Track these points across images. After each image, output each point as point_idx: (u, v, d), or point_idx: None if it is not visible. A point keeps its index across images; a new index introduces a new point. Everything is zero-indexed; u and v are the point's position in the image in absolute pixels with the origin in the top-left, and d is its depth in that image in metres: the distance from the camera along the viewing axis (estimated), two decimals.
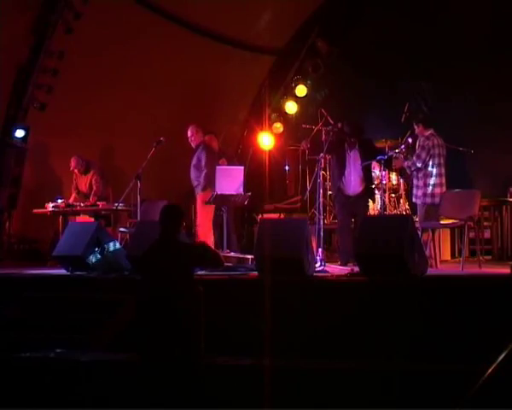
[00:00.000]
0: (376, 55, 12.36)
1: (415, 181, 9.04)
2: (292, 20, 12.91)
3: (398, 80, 12.08)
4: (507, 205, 10.85)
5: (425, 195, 8.87)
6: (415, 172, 8.99)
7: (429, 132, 8.98)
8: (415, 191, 9.03)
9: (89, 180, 11.01)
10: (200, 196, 9.80)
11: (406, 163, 9.06)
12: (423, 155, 8.84)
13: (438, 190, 8.83)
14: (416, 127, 9.13)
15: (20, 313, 7.67)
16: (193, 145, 10.01)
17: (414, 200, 9.09)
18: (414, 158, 8.95)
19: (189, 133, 10.04)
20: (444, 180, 8.94)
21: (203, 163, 9.78)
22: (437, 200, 8.79)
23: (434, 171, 8.87)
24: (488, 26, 11.46)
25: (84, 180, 11.03)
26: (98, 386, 6.27)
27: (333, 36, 12.88)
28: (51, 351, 6.78)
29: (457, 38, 11.64)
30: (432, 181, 8.86)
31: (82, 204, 10.54)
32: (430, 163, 8.86)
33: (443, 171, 8.94)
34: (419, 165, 8.86)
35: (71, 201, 10.83)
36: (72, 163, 10.96)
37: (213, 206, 9.77)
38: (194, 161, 9.89)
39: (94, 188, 10.90)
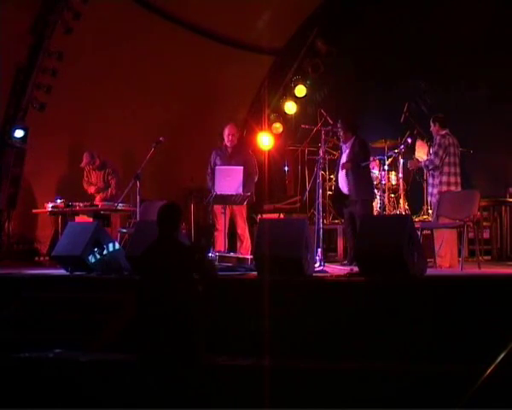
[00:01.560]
0: (376, 55, 12.37)
1: (430, 180, 9.08)
2: (291, 21, 12.92)
3: (398, 80, 12.08)
4: (506, 205, 10.86)
5: (440, 193, 8.89)
6: (431, 171, 9.02)
7: (445, 132, 9.01)
8: (430, 190, 9.08)
9: (103, 176, 10.93)
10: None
11: (423, 162, 9.08)
12: (441, 152, 8.88)
13: (453, 189, 8.88)
14: (432, 125, 9.15)
15: (19, 313, 7.67)
16: (229, 144, 9.69)
17: (429, 198, 9.14)
18: (431, 156, 8.97)
19: (233, 131, 9.69)
20: (459, 179, 8.99)
21: (254, 169, 9.72)
22: None
23: (450, 170, 8.90)
24: (488, 27, 11.47)
25: (99, 175, 10.96)
26: (98, 386, 6.27)
27: (332, 36, 12.89)
28: (51, 351, 6.77)
29: (457, 38, 11.65)
30: (447, 179, 8.89)
31: (81, 204, 10.53)
32: (446, 161, 8.89)
33: (458, 170, 9.00)
34: (437, 163, 8.88)
35: (92, 191, 10.81)
36: (85, 159, 10.89)
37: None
38: (239, 165, 9.42)
39: (111, 183, 10.83)
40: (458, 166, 9.01)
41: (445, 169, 8.91)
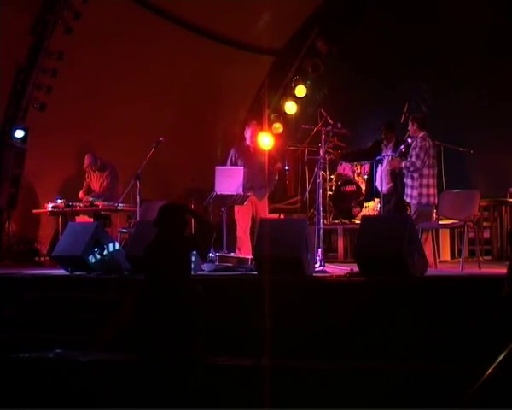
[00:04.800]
0: (376, 56, 12.37)
1: (409, 181, 9.04)
2: (291, 21, 12.92)
3: (398, 80, 12.08)
4: (506, 205, 10.85)
5: (421, 195, 8.90)
6: (411, 173, 9.01)
7: (423, 133, 9.03)
8: (409, 191, 9.03)
9: (102, 179, 10.86)
10: (266, 198, 9.66)
11: (404, 164, 9.07)
12: (422, 155, 8.89)
13: (432, 191, 8.93)
14: (410, 124, 9.15)
15: (19, 313, 7.67)
16: (250, 143, 9.68)
17: (408, 200, 9.10)
18: (413, 158, 8.96)
19: (256, 131, 9.71)
20: (436, 181, 9.07)
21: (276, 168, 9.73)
22: (431, 200, 8.91)
23: (429, 172, 8.93)
24: (488, 27, 11.48)
25: (99, 179, 10.90)
26: (98, 386, 6.27)
27: (332, 36, 12.91)
28: (51, 351, 6.77)
29: (457, 38, 11.65)
30: (427, 181, 8.90)
31: (81, 204, 10.52)
32: (426, 164, 8.91)
33: (436, 172, 9.08)
34: (418, 165, 8.90)
35: (80, 196, 10.69)
36: (86, 161, 10.82)
37: None
38: (263, 163, 9.51)
39: (104, 185, 10.78)
40: (435, 168, 9.11)
41: (425, 171, 8.94)
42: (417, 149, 8.93)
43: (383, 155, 9.71)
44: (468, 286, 6.68)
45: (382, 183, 9.54)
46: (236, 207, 9.55)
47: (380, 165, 9.69)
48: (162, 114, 12.16)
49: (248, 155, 9.67)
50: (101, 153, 11.30)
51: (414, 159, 8.94)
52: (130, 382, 5.89)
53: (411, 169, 8.97)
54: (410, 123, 9.16)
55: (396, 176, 9.51)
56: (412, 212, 9.06)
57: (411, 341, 6.21)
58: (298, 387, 5.82)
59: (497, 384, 4.04)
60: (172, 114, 12.34)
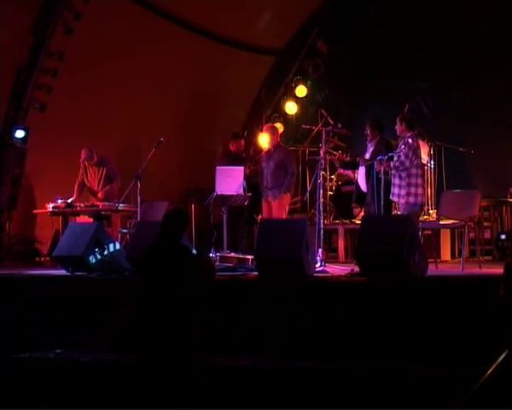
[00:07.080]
0: (376, 56, 12.37)
1: (396, 180, 8.96)
2: (292, 21, 12.93)
3: (399, 81, 12.07)
4: (507, 205, 10.85)
5: (409, 194, 8.85)
6: (399, 172, 8.99)
7: (411, 133, 8.99)
8: (397, 190, 8.93)
9: (100, 174, 10.74)
10: (280, 198, 9.78)
11: (393, 163, 9.03)
12: (410, 154, 8.85)
13: (420, 191, 8.90)
14: (398, 123, 9.04)
15: (19, 313, 7.68)
16: (268, 145, 9.96)
17: (396, 199, 9.02)
18: (402, 158, 8.90)
19: (265, 133, 9.96)
20: (424, 181, 9.10)
21: (291, 166, 9.84)
22: (419, 200, 8.88)
23: (418, 171, 8.92)
24: (488, 27, 11.48)
25: (97, 174, 10.77)
26: (98, 386, 6.27)
27: (333, 36, 12.92)
28: (51, 351, 6.78)
29: (458, 38, 11.66)
30: (416, 181, 8.89)
31: (82, 204, 10.49)
32: (414, 164, 8.89)
33: (423, 172, 9.09)
34: (407, 165, 8.86)
35: (73, 198, 10.59)
36: (83, 155, 10.66)
37: (287, 208, 9.97)
38: (276, 163, 9.79)
39: (113, 187, 10.67)
40: (422, 168, 9.19)
41: (413, 171, 8.90)
42: (406, 149, 8.91)
43: (366, 154, 9.61)
44: (468, 286, 6.68)
45: (362, 182, 9.55)
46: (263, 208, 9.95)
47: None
48: (162, 114, 12.16)
49: (266, 157, 9.99)
50: (102, 152, 11.28)
51: (403, 158, 8.88)
52: (131, 382, 5.89)
53: (400, 168, 8.92)
54: (397, 122, 9.08)
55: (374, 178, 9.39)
56: (400, 212, 9.03)
57: (411, 341, 6.21)
58: (298, 387, 5.82)
59: (497, 384, 4.05)
60: (173, 115, 12.34)
